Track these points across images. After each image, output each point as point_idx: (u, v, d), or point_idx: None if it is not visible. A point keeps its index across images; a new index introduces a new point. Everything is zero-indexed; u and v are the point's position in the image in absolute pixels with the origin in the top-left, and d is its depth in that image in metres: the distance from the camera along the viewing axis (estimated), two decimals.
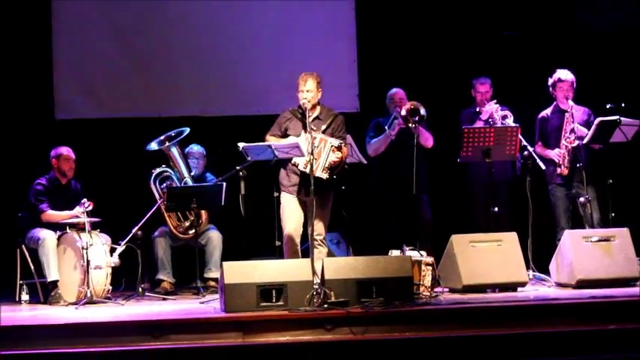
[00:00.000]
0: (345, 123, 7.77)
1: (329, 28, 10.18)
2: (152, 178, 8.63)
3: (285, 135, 7.72)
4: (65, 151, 8.40)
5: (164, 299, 8.13)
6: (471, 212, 8.84)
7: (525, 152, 8.33)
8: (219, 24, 10.05)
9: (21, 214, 8.39)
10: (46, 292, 8.17)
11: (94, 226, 8.02)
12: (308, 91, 7.62)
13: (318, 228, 7.56)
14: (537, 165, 8.36)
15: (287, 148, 7.47)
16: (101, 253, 7.93)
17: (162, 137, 8.69)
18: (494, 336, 6.59)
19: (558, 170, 8.51)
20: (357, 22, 10.13)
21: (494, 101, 8.66)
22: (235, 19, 10.05)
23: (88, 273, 7.75)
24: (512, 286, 7.66)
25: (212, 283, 8.50)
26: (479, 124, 8.57)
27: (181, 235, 8.68)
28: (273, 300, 6.87)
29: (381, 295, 6.93)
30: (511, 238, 7.83)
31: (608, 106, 8.37)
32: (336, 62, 10.04)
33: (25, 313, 7.74)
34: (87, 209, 7.92)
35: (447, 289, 7.71)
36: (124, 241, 8.02)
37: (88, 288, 7.73)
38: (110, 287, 7.99)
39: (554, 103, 8.65)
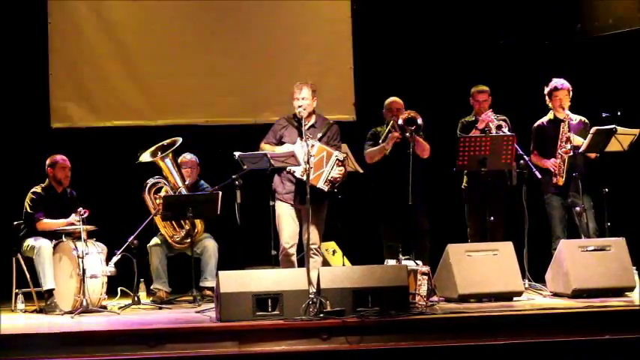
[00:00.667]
0: (339, 133, 7.78)
1: (325, 37, 10.20)
2: (146, 189, 8.62)
3: (280, 143, 7.72)
4: (61, 159, 8.38)
5: (160, 308, 8.12)
6: (466, 222, 8.82)
7: (521, 161, 8.32)
8: (215, 33, 10.07)
9: (16, 222, 8.37)
10: (41, 301, 8.15)
11: (89, 235, 8.01)
12: (303, 98, 7.64)
13: (313, 237, 7.57)
14: (533, 174, 8.35)
15: (283, 157, 7.47)
16: (97, 261, 7.92)
17: (153, 148, 8.58)
18: (490, 345, 6.57)
19: (554, 180, 8.50)
20: (354, 31, 10.15)
21: (491, 110, 8.66)
22: (231, 28, 10.07)
23: (83, 282, 7.73)
24: (508, 296, 7.65)
25: (208, 292, 8.50)
26: (475, 133, 8.57)
27: (177, 245, 8.66)
28: (269, 309, 6.86)
29: (377, 304, 6.92)
30: (507, 248, 7.82)
31: (604, 115, 8.37)
32: (332, 71, 10.06)
33: (20, 321, 7.71)
34: (82, 217, 7.91)
35: (443, 299, 7.69)
36: (120, 250, 8.01)
37: (84, 297, 7.72)
38: (106, 296, 7.98)
39: (550, 112, 8.66)
